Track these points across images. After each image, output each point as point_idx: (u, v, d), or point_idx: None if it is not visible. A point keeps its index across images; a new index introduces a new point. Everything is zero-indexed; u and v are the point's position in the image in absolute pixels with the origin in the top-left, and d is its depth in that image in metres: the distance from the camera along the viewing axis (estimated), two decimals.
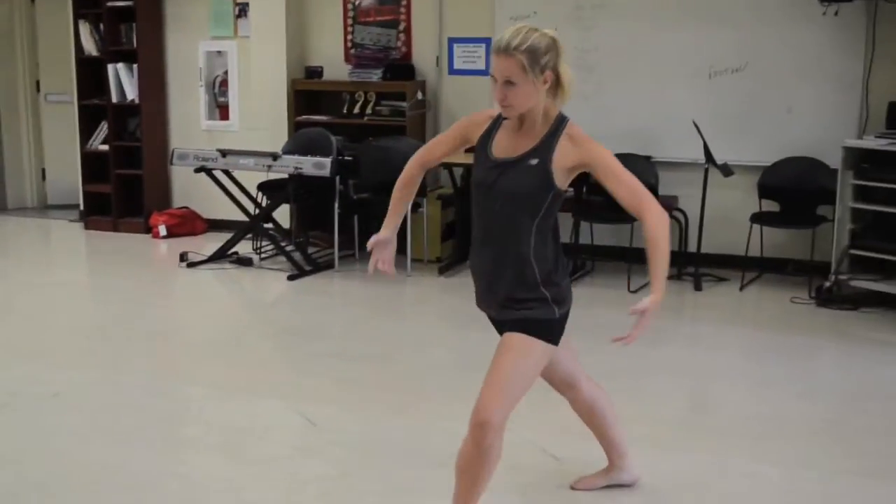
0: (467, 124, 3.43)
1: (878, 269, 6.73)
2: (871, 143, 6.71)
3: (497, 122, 3.31)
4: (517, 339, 3.23)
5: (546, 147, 3.16)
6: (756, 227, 7.30)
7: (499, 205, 3.21)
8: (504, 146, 3.24)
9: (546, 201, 3.18)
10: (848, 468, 4.19)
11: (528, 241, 3.20)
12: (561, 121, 3.20)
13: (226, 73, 9.27)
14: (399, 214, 3.65)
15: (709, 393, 5.31)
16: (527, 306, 3.23)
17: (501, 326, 3.36)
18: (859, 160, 6.75)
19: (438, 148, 3.55)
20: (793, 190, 7.31)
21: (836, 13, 7.05)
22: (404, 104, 8.26)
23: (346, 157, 7.91)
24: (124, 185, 9.40)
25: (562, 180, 3.18)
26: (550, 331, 3.27)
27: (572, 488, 3.93)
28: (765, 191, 7.43)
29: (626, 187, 3.13)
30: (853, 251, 6.79)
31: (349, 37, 8.80)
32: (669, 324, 6.60)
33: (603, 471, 3.95)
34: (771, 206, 7.45)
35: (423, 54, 8.57)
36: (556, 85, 3.16)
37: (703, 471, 4.15)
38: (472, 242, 3.36)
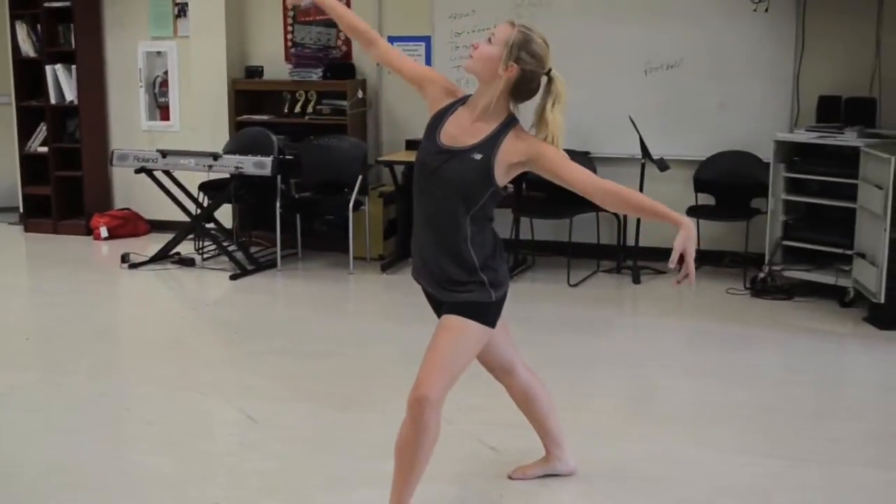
0: (438, 82, 3.48)
1: (811, 260, 6.88)
2: (802, 136, 6.86)
3: (455, 104, 3.39)
4: (454, 320, 3.32)
5: (491, 143, 3.26)
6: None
7: (439, 191, 3.30)
8: (452, 134, 3.32)
9: (484, 196, 3.27)
10: (779, 452, 4.30)
11: (465, 229, 3.29)
12: (510, 120, 3.31)
13: (166, 73, 9.24)
14: (338, 11, 3.65)
15: (647, 382, 5.41)
16: (465, 289, 3.31)
17: (438, 305, 3.44)
18: (791, 153, 6.90)
19: (403, 62, 3.58)
20: (727, 183, 7.44)
21: (766, 9, 7.20)
22: (345, 103, 8.29)
23: (288, 157, 7.93)
24: (64, 186, 9.33)
25: (502, 177, 3.28)
26: (487, 313, 3.35)
27: (509, 477, 3.99)
28: (700, 184, 7.56)
29: (576, 176, 3.24)
30: (786, 242, 6.94)
31: (289, 36, 8.82)
32: (609, 315, 6.72)
33: (540, 461, 4.02)
34: (707, 199, 7.58)
35: (363, 53, 8.55)
36: (519, 89, 3.30)
37: (639, 458, 4.24)
38: (414, 219, 3.44)
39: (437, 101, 3.44)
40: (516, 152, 3.25)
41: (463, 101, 3.40)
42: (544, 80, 3.33)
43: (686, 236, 3.14)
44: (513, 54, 3.24)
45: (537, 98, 3.36)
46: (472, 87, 3.45)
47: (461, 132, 3.31)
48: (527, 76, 3.28)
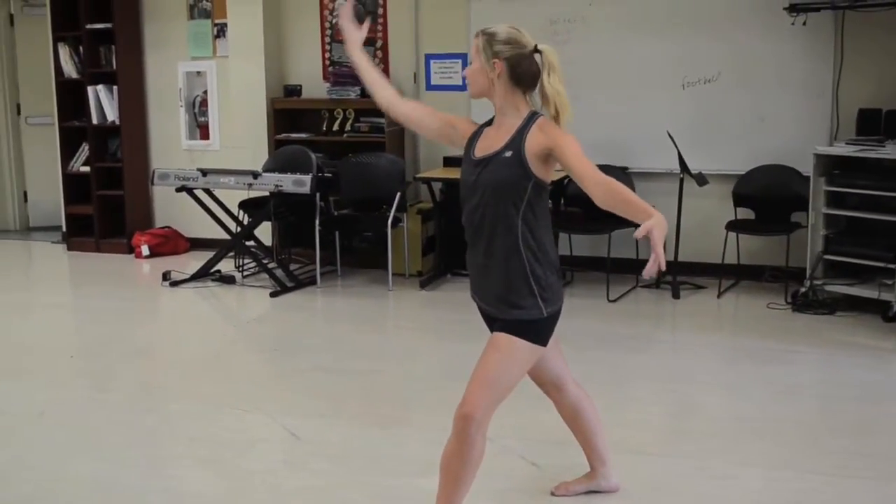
0: (463, 121, 3.60)
1: (853, 274, 6.83)
2: (841, 149, 6.82)
3: (479, 130, 3.49)
4: (504, 339, 3.34)
5: (518, 139, 3.32)
6: (732, 234, 7.40)
7: (483, 198, 3.33)
8: (483, 147, 3.41)
9: (527, 190, 3.30)
10: (821, 468, 4.26)
11: (516, 231, 3.31)
12: (532, 115, 3.37)
13: (205, 92, 9.34)
14: (366, 70, 3.69)
15: (687, 398, 5.38)
16: (517, 306, 3.32)
17: (492, 321, 3.46)
18: (831, 167, 6.86)
19: (427, 116, 3.66)
20: (767, 197, 7.41)
21: (804, 23, 7.16)
22: (383, 121, 8.33)
23: (326, 174, 7.98)
24: (106, 205, 9.44)
25: (539, 169, 3.30)
26: (538, 331, 3.36)
27: (552, 494, 3.99)
28: (739, 199, 7.53)
29: (578, 167, 3.22)
30: (827, 256, 6.89)
31: (327, 55, 8.89)
32: (648, 331, 6.69)
33: (583, 477, 4.02)
34: (746, 213, 7.55)
35: (401, 71, 8.65)
36: (518, 79, 3.34)
37: (679, 474, 4.23)
38: (467, 239, 3.47)
39: (467, 131, 3.54)
40: (538, 144, 3.29)
41: (488, 123, 3.49)
42: (538, 58, 3.34)
43: (657, 221, 3.04)
44: (488, 54, 3.34)
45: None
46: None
47: (490, 143, 3.39)
48: (514, 62, 3.32)
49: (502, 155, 3.31)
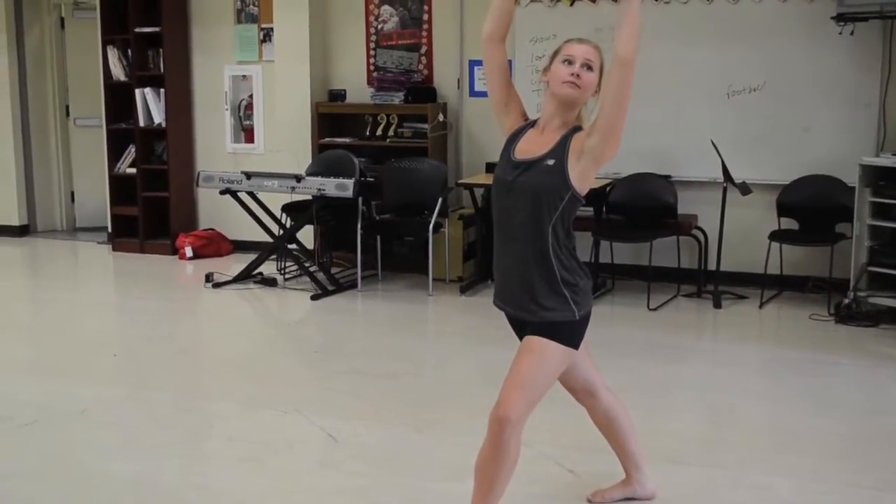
0: (520, 104, 3.60)
1: None
2: (888, 160, 6.75)
3: (526, 127, 3.51)
4: (536, 342, 3.35)
5: (561, 148, 3.34)
6: (775, 244, 7.34)
7: (519, 203, 3.35)
8: (524, 149, 3.42)
9: (563, 200, 3.32)
10: (861, 482, 4.22)
11: (547, 238, 3.32)
12: (575, 129, 3.40)
13: (251, 96, 9.42)
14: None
15: (726, 408, 5.35)
16: (549, 308, 3.33)
17: (521, 327, 3.46)
18: (877, 178, 6.79)
19: (505, 86, 3.61)
20: (811, 208, 7.35)
21: (851, 32, 7.10)
22: (426, 126, 8.36)
23: (369, 179, 8.01)
24: (151, 207, 9.54)
25: (577, 180, 3.32)
26: (570, 333, 3.37)
27: (588, 501, 3.98)
28: (783, 209, 7.47)
29: (606, 92, 3.29)
30: (872, 268, 6.81)
31: (371, 60, 8.93)
32: (689, 341, 6.66)
33: (619, 484, 4.00)
34: (789, 223, 7.48)
35: (445, 77, 8.68)
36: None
37: (716, 483, 4.20)
38: (495, 244, 3.49)
39: (515, 122, 3.54)
40: (578, 148, 3.32)
41: (532, 124, 3.50)
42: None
43: None
44: (602, 68, 3.41)
45: None
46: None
47: (532, 146, 3.40)
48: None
49: (544, 162, 3.33)
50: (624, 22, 3.24)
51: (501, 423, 3.30)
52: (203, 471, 4.40)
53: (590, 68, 3.36)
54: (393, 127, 8.63)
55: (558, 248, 3.34)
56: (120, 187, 9.71)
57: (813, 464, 4.45)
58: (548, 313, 3.33)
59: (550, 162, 3.32)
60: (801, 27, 7.43)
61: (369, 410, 5.16)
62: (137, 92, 9.39)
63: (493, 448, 3.34)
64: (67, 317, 7.35)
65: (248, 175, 7.93)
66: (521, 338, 3.46)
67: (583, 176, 3.32)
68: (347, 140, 8.76)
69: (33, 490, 4.15)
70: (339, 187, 7.58)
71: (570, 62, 3.36)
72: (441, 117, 8.49)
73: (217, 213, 9.41)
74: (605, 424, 3.88)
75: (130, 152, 9.62)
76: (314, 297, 7.65)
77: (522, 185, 3.34)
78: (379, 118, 8.70)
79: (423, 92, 8.52)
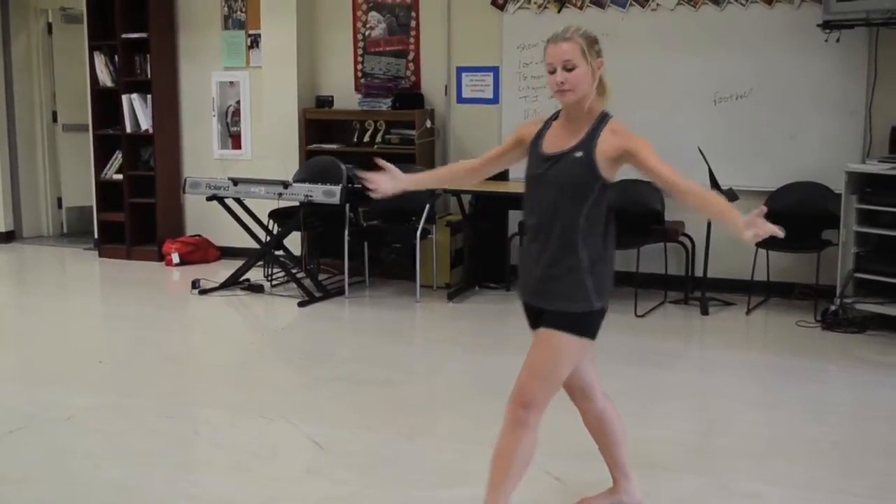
0: (521, 129, 3.65)
1: (884, 293, 6.77)
2: (874, 167, 6.77)
3: (546, 125, 3.53)
4: (552, 332, 3.38)
5: (590, 140, 3.36)
6: (762, 251, 7.35)
7: (550, 194, 3.38)
8: (552, 143, 3.45)
9: (594, 190, 3.35)
10: (850, 488, 4.22)
11: (578, 228, 3.34)
12: (603, 117, 3.43)
13: (238, 102, 9.41)
14: (427, 182, 3.89)
15: (714, 415, 5.35)
16: (569, 297, 3.36)
17: (537, 316, 3.47)
18: (863, 184, 6.81)
19: (494, 160, 3.75)
20: (798, 214, 7.33)
21: (837, 40, 7.13)
22: (413, 132, 8.36)
23: (356, 185, 7.99)
24: (138, 213, 9.52)
25: (607, 170, 3.35)
26: (587, 324, 3.40)
27: None
28: (770, 215, 7.41)
29: (664, 173, 3.30)
30: (858, 275, 6.84)
31: (359, 66, 8.93)
32: (676, 347, 6.67)
33: (606, 492, 3.98)
34: None
35: (432, 83, 8.68)
36: (600, 83, 3.43)
37: (703, 491, 4.20)
38: (524, 240, 3.53)
39: (530, 133, 3.56)
40: (612, 147, 3.33)
41: (554, 117, 3.53)
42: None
43: (750, 220, 3.22)
44: (593, 54, 3.40)
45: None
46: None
47: (559, 140, 3.43)
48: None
49: (573, 154, 3.36)
50: (707, 198, 3.35)
51: (526, 409, 3.35)
52: (190, 478, 4.38)
53: (569, 68, 3.35)
54: (380, 133, 8.63)
55: (590, 236, 3.36)
56: (107, 193, 9.69)
57: (802, 470, 4.44)
58: (567, 303, 3.35)
59: (579, 154, 3.35)
60: (787, 34, 7.46)
61: (356, 417, 5.15)
62: (124, 98, 9.37)
63: (512, 436, 3.38)
64: (54, 323, 7.32)
65: (236, 181, 7.91)
66: (535, 327, 3.48)
67: (612, 168, 3.37)
68: (335, 146, 8.75)
69: (19, 498, 4.12)
70: (326, 194, 7.57)
71: (551, 71, 3.38)
72: (428, 123, 8.49)
73: (204, 219, 9.40)
74: (596, 428, 3.86)
75: (117, 158, 9.60)
76: (301, 304, 7.64)
77: (552, 177, 3.37)
78: (366, 124, 8.70)
79: (410, 98, 8.52)
